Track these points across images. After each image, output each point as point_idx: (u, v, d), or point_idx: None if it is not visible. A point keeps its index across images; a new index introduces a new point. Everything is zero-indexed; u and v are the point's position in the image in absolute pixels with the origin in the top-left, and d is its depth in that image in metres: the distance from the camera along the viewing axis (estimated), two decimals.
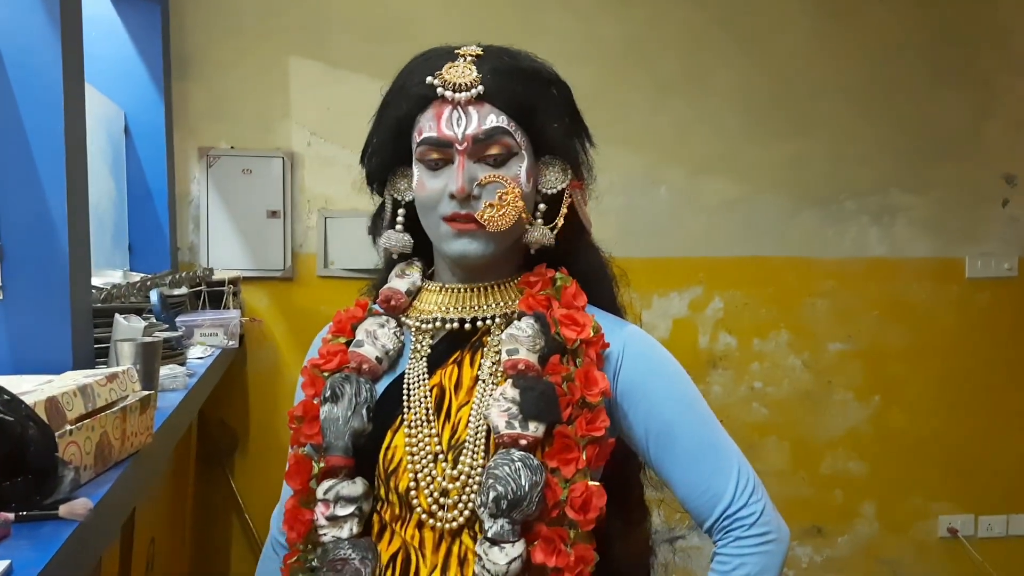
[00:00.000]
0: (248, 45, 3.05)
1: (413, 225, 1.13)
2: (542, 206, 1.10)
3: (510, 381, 1.02)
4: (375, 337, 1.10)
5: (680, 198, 3.26)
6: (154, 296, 2.14)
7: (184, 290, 2.57)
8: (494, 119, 1.05)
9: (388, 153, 1.12)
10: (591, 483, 0.99)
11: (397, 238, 1.12)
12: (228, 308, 2.75)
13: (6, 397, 0.99)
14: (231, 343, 2.47)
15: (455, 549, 1.01)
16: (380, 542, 1.06)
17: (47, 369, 1.49)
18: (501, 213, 1.04)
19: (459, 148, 1.04)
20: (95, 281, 2.04)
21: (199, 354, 2.29)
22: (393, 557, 1.04)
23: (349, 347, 1.11)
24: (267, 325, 3.08)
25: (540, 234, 1.08)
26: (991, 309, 3.37)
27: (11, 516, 0.98)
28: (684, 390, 1.08)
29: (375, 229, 1.18)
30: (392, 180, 1.14)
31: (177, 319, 2.33)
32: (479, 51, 1.08)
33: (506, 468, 0.97)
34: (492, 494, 0.96)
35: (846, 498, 3.36)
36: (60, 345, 1.57)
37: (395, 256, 1.15)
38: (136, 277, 2.47)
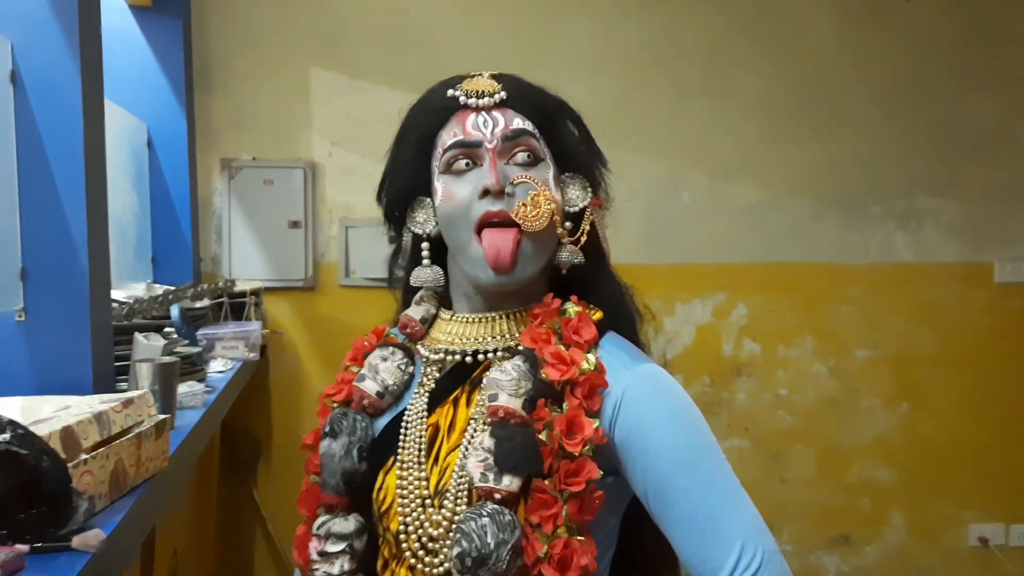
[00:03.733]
0: (269, 57, 3.07)
1: (433, 261, 1.09)
2: (568, 223, 1.06)
3: (489, 429, 0.96)
4: (376, 371, 1.08)
5: (702, 203, 3.23)
6: (175, 311, 2.16)
7: (206, 302, 2.59)
8: (520, 122, 1.04)
9: (408, 177, 1.08)
10: (576, 539, 0.92)
11: (428, 274, 1.07)
12: (250, 319, 2.76)
13: (20, 431, 1.00)
14: (252, 355, 2.47)
15: None
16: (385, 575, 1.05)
17: (68, 389, 1.51)
18: (535, 213, 1.00)
19: (488, 147, 1.03)
20: (118, 294, 2.06)
21: (219, 367, 2.31)
22: None
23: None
24: (289, 334, 3.10)
25: (569, 252, 1.05)
26: (1021, 314, 3.31)
27: (26, 548, 0.99)
28: (689, 443, 0.96)
29: (393, 267, 1.16)
30: (411, 214, 1.09)
31: (198, 332, 2.34)
32: (494, 72, 1.08)
33: (472, 524, 0.91)
34: (456, 550, 0.92)
35: (874, 506, 3.32)
36: (81, 365, 1.57)
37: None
38: (159, 289, 2.49)
